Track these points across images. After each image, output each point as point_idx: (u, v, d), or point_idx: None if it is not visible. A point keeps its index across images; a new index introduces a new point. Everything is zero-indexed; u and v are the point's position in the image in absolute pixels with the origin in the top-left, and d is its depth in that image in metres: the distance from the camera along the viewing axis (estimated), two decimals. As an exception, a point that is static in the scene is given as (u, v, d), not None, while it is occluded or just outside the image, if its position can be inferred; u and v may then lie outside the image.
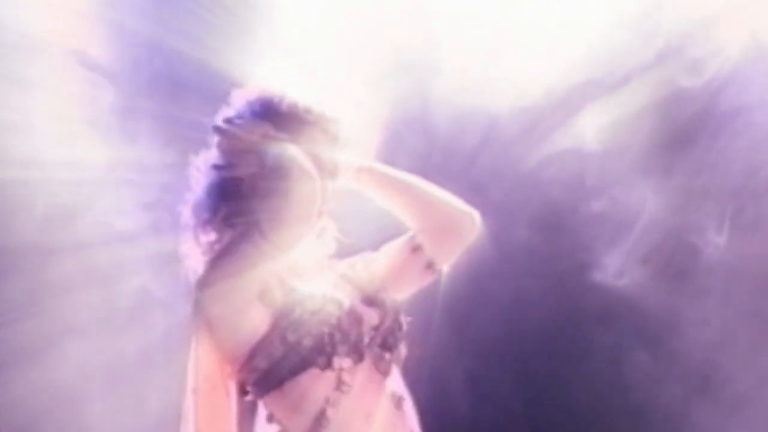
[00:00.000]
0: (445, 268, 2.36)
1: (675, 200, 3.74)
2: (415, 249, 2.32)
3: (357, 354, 2.11)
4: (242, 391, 2.12)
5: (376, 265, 2.34)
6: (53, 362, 3.56)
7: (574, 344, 3.95)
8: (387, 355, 2.17)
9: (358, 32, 3.61)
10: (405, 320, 2.25)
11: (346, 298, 2.17)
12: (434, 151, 3.83)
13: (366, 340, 2.14)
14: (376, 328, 2.18)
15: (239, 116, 2.16)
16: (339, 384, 2.09)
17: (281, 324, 2.07)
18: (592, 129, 3.73)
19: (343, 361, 2.08)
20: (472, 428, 3.97)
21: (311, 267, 2.23)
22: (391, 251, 2.35)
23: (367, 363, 2.14)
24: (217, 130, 2.16)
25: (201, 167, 2.18)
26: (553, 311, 3.95)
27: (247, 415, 2.15)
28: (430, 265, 2.33)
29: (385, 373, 2.17)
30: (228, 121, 2.16)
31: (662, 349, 3.81)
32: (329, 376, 2.08)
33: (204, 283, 2.04)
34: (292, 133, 2.14)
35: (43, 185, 3.52)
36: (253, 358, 2.06)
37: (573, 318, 3.93)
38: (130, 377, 3.64)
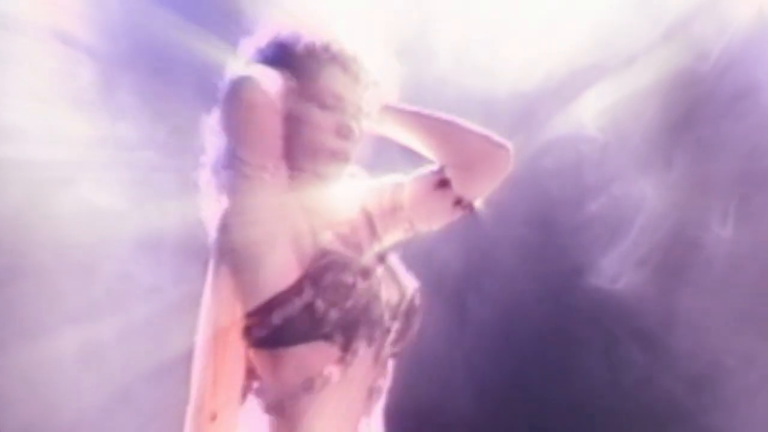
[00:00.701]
0: (476, 203, 2.20)
1: (681, 189, 3.64)
2: (442, 183, 2.17)
3: (372, 338, 2.01)
4: (245, 337, 2.00)
5: (403, 195, 2.20)
6: (28, 349, 3.43)
7: (571, 345, 3.85)
8: (393, 341, 2.07)
9: (352, 16, 3.50)
10: (419, 302, 2.12)
11: (373, 264, 2.06)
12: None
13: (383, 323, 2.02)
14: (392, 309, 2.06)
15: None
16: (341, 360, 1.98)
17: (309, 286, 1.96)
18: (593, 115, 3.63)
19: (359, 343, 1.98)
20: (468, 429, 3.87)
21: (340, 214, 2.12)
22: (417, 182, 2.21)
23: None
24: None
25: (214, 127, 2.05)
26: (550, 312, 3.86)
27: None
28: (459, 201, 2.18)
29: (381, 355, 2.06)
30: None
31: (665, 349, 3.72)
32: (334, 350, 1.97)
33: (226, 218, 1.99)
34: (310, 76, 2.02)
35: (22, 164, 3.40)
36: (267, 311, 1.95)
37: (570, 317, 3.83)
38: (110, 365, 3.53)
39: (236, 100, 1.95)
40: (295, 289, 1.95)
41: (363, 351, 1.99)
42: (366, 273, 2.01)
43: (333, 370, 1.96)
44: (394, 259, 2.16)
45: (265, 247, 1.95)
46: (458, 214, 2.20)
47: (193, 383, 2.02)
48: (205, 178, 2.05)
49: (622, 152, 3.67)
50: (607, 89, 3.59)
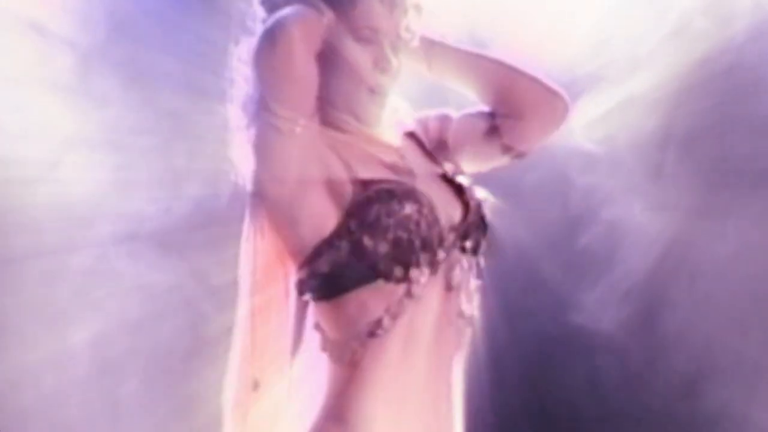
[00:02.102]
0: (527, 151, 2.06)
1: (678, 205, 3.55)
2: (493, 129, 2.03)
3: (434, 264, 1.84)
4: (300, 291, 1.88)
5: (449, 130, 2.07)
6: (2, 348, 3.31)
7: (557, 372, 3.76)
8: (465, 261, 1.91)
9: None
10: (487, 214, 1.98)
11: (426, 187, 1.90)
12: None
13: (445, 244, 1.86)
14: (456, 228, 1.91)
15: None
16: (406, 295, 1.82)
17: (353, 223, 1.82)
18: (587, 126, 3.54)
19: (420, 273, 1.82)
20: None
21: (380, 149, 1.96)
22: (465, 124, 2.07)
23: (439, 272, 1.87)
24: (263, 3, 1.91)
25: (243, 56, 1.90)
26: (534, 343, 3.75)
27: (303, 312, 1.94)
28: (508, 149, 2.04)
29: (453, 281, 1.90)
30: None
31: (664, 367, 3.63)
32: (393, 286, 1.82)
33: (256, 175, 1.85)
34: (345, 5, 1.88)
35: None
36: (314, 260, 1.83)
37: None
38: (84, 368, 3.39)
39: (276, 44, 1.77)
40: (339, 231, 1.82)
41: (427, 280, 1.83)
42: (414, 195, 1.86)
43: (399, 307, 1.81)
44: (455, 176, 2.03)
45: (299, 200, 1.82)
46: (507, 160, 2.07)
47: (233, 351, 1.90)
48: (236, 115, 1.89)
49: (618, 167, 3.59)
50: (604, 98, 3.51)
